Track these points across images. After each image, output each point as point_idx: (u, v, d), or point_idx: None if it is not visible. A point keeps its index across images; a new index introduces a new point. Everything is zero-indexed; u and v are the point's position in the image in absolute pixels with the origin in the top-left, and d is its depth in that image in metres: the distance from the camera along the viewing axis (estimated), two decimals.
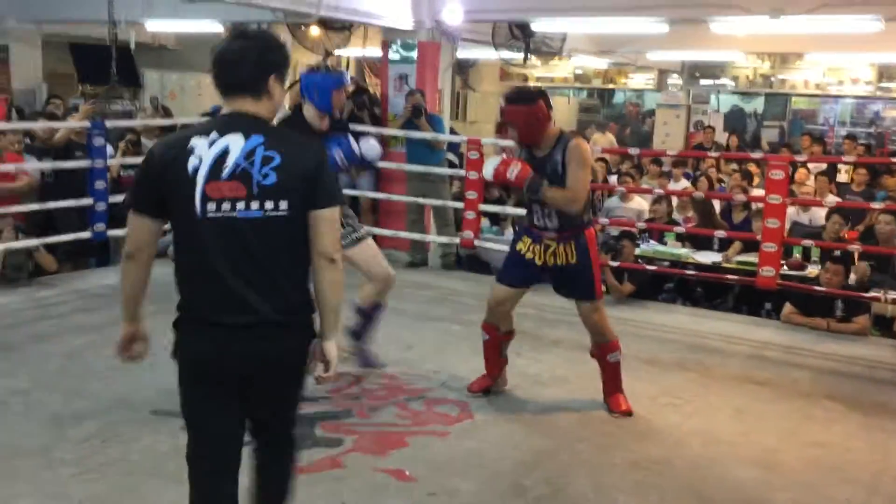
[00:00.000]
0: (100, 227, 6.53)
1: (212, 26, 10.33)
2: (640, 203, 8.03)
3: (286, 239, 2.23)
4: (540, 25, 8.86)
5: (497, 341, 4.36)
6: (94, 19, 9.21)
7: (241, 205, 2.17)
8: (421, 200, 7.43)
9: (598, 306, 4.14)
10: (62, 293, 6.08)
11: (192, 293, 2.30)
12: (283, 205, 2.19)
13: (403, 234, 7.51)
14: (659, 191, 7.53)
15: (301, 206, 2.21)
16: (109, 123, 6.98)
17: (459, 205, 7.21)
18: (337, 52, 10.22)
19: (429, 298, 6.49)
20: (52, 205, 6.46)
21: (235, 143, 2.19)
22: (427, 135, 7.40)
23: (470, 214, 7.06)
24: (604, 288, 4.52)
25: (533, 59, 9.52)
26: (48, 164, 6.67)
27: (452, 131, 8.74)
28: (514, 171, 3.92)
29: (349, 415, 4.03)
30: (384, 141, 7.86)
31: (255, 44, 2.27)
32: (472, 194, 7.02)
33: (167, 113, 9.48)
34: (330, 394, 4.28)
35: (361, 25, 8.63)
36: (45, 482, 3.29)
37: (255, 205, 2.18)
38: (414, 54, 8.00)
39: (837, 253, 6.05)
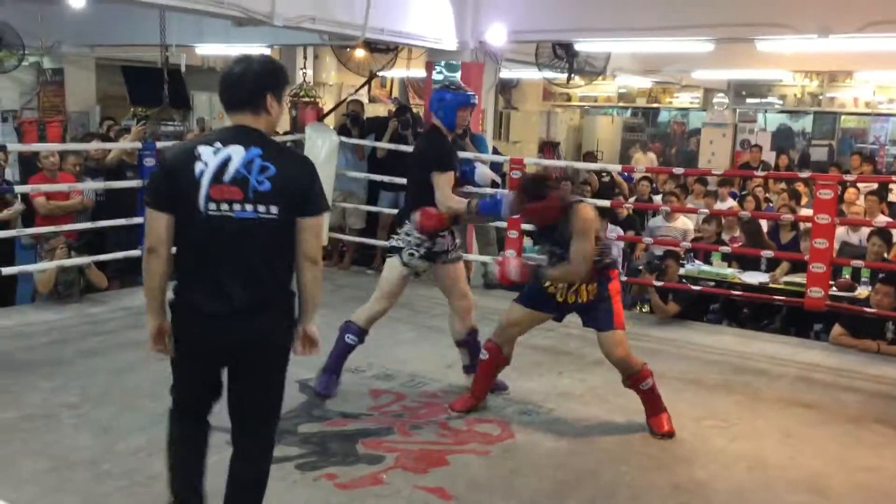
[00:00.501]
0: None
1: (260, 49, 10.56)
2: (685, 223, 7.95)
3: (273, 239, 2.54)
4: (584, 46, 8.87)
5: (495, 362, 4.39)
6: (147, 43, 9.48)
7: (237, 206, 2.50)
8: None
9: (619, 339, 4.15)
10: (112, 310, 6.23)
11: (185, 281, 2.60)
12: (274, 210, 2.51)
13: None
14: (704, 210, 7.44)
15: (289, 212, 2.53)
16: (160, 144, 7.16)
17: (502, 224, 7.22)
18: (382, 73, 10.37)
19: None
20: (103, 223, 6.64)
21: (236, 153, 2.51)
22: (469, 154, 7.43)
23: (512, 234, 7.06)
24: (628, 320, 4.49)
25: (576, 79, 9.51)
26: (100, 184, 6.84)
27: (496, 151, 8.76)
28: (513, 271, 4.09)
29: (390, 432, 4.04)
30: None
31: (254, 67, 2.60)
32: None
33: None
34: (371, 411, 4.31)
35: (406, 47, 8.73)
36: (93, 494, 3.36)
37: (249, 207, 2.50)
38: (457, 75, 8.06)
39: (882, 275, 5.92)
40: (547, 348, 5.62)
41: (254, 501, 2.76)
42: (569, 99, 16.18)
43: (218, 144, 2.53)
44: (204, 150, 2.52)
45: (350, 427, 4.09)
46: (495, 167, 8.30)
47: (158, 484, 3.42)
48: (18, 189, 6.58)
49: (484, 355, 4.38)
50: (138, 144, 6.81)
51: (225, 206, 2.50)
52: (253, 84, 2.58)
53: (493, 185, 4.70)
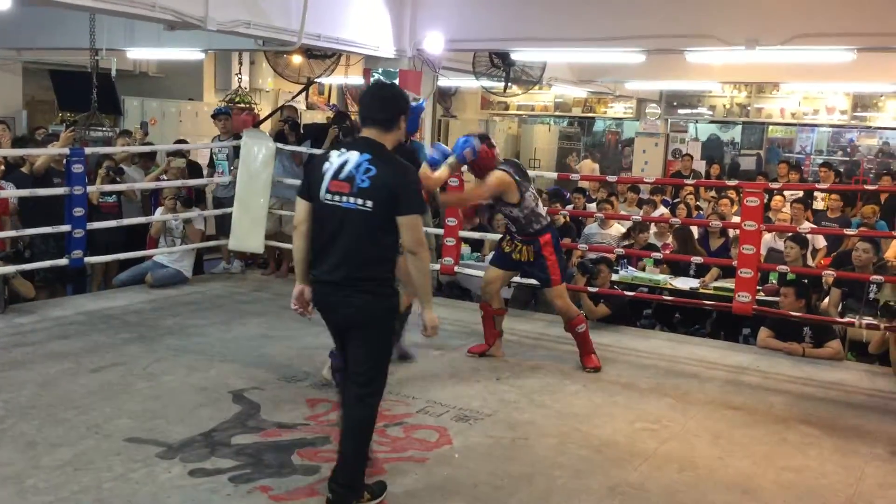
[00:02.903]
0: (77, 253, 6.48)
1: (193, 54, 10.39)
2: (619, 229, 8.10)
3: (368, 227, 3.15)
4: (520, 55, 8.98)
5: (490, 314, 5.57)
6: (76, 46, 9.24)
7: (344, 198, 3.15)
8: None
9: (558, 292, 5.33)
10: (39, 320, 6.03)
11: (314, 256, 3.28)
12: (370, 203, 3.12)
13: None
14: (637, 217, 7.60)
15: (383, 207, 3.12)
16: (88, 150, 6.98)
17: (440, 231, 7.24)
18: (320, 80, 10.30)
19: (408, 324, 6.47)
20: (29, 231, 6.43)
21: (353, 157, 3.18)
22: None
23: (450, 241, 7.09)
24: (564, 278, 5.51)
25: (513, 88, 9.62)
26: (26, 192, 6.61)
27: None
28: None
29: (327, 441, 4.00)
30: None
31: (393, 92, 3.43)
32: (451, 221, 7.05)
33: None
34: (308, 420, 4.26)
35: (343, 53, 8.71)
36: None
37: (352, 199, 3.14)
38: (395, 82, 8.07)
39: (792, 277, 6.17)
40: (485, 355, 5.66)
41: (349, 446, 3.31)
42: (507, 108, 16.34)
43: (343, 150, 3.21)
44: (333, 154, 3.22)
45: (286, 438, 4.04)
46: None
47: (86, 499, 3.33)
48: None
49: (481, 312, 5.62)
50: (66, 150, 6.62)
51: (336, 197, 3.15)
52: (391, 107, 3.27)
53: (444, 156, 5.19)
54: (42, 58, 11.02)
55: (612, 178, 8.56)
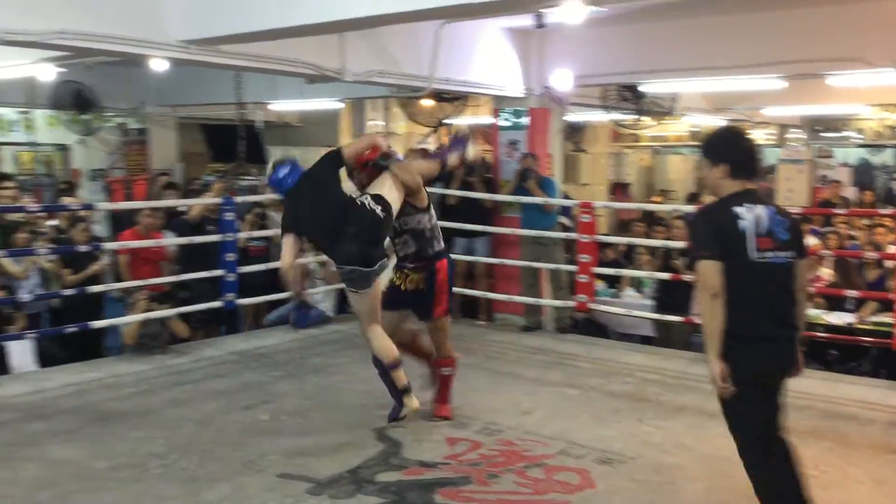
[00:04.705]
0: (230, 296, 6.87)
1: (331, 104, 10.88)
2: None
3: (792, 277, 3.24)
4: (649, 87, 8.85)
5: (427, 359, 5.00)
6: (224, 101, 9.88)
7: (772, 253, 3.17)
8: (535, 264, 7.45)
9: (438, 325, 4.84)
10: (195, 360, 6.41)
11: (743, 315, 3.13)
12: (792, 254, 3.21)
13: (518, 299, 7.54)
14: None
15: (796, 255, 3.23)
16: (239, 199, 7.41)
17: (574, 268, 7.19)
18: (448, 121, 10.53)
19: (544, 363, 6.45)
20: (186, 276, 6.88)
21: (762, 212, 3.19)
22: (537, 199, 7.46)
23: (583, 278, 7.02)
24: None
25: (644, 120, 9.48)
26: (185, 240, 7.09)
27: (566, 195, 8.77)
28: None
29: (468, 482, 4.02)
30: (497, 206, 7.98)
31: (757, 144, 3.47)
32: (585, 257, 6.98)
33: None
34: (448, 459, 4.30)
35: (472, 95, 8.87)
36: None
37: (780, 253, 3.18)
38: (524, 120, 8.14)
39: None
40: (625, 394, 5.54)
41: None
42: (638, 140, 16.07)
43: (747, 206, 3.18)
44: (739, 210, 3.17)
45: (428, 476, 4.09)
46: (565, 211, 8.32)
47: None
48: (108, 245, 6.87)
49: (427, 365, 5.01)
50: (219, 200, 7.06)
51: (768, 255, 3.15)
52: (762, 158, 3.27)
53: None
54: (195, 113, 11.86)
55: None
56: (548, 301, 7.56)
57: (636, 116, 9.26)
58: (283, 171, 4.66)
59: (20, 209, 6.88)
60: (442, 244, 4.86)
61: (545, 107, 8.13)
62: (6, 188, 7.42)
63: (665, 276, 7.12)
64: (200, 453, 4.38)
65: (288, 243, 4.54)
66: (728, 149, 3.30)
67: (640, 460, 4.36)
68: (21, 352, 6.20)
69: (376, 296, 4.52)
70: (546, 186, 7.64)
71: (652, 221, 8.67)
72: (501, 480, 4.06)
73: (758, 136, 15.57)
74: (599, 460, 4.33)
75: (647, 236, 8.11)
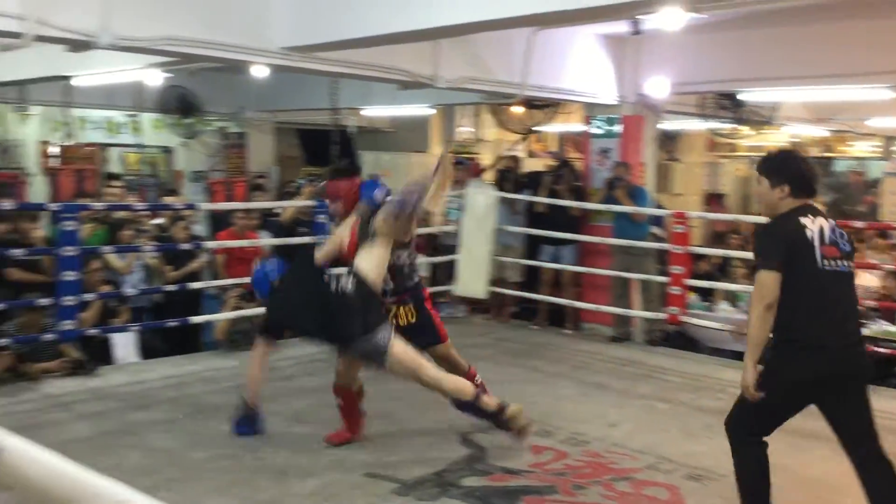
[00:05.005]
0: None
1: (422, 110, 11.01)
2: (868, 279, 7.42)
3: (853, 287, 3.43)
4: (749, 96, 8.60)
5: (353, 400, 4.64)
6: (320, 107, 10.13)
7: (836, 262, 3.28)
8: (625, 275, 7.33)
9: (447, 347, 4.66)
10: (285, 357, 6.54)
11: (805, 323, 3.24)
12: (851, 264, 3.35)
13: (607, 309, 7.43)
14: (890, 266, 6.93)
15: (852, 265, 3.36)
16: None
17: (665, 279, 7.04)
18: (540, 128, 10.50)
19: (633, 375, 6.34)
20: None
21: (825, 224, 3.32)
22: (627, 208, 7.35)
23: (675, 289, 6.87)
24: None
25: (743, 128, 9.22)
26: (278, 240, 7.29)
27: (658, 205, 8.60)
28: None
29: (553, 491, 3.99)
30: (586, 215, 7.89)
31: (815, 166, 3.64)
32: (678, 269, 6.83)
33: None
34: (533, 467, 4.27)
35: (564, 102, 8.82)
36: None
37: (843, 263, 3.30)
38: (616, 128, 8.04)
39: None
40: (717, 410, 5.33)
41: None
42: (734, 150, 15.62)
43: (810, 217, 3.32)
44: (805, 221, 3.30)
45: (512, 483, 4.08)
46: (657, 221, 8.17)
47: None
48: (207, 245, 7.13)
49: (339, 400, 4.61)
50: (312, 202, 7.24)
51: (832, 263, 3.27)
52: (819, 179, 3.57)
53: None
54: (291, 118, 12.19)
55: (859, 224, 7.88)
56: (638, 312, 7.43)
57: (734, 125, 9.00)
58: (269, 267, 4.70)
59: (127, 207, 7.22)
60: (418, 277, 4.66)
61: (639, 114, 8.01)
62: (114, 187, 7.80)
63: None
64: (291, 448, 4.49)
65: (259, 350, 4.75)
66: (789, 169, 3.42)
67: (732, 478, 4.21)
68: (124, 344, 6.50)
69: (402, 349, 4.17)
70: (637, 196, 7.52)
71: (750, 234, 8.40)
72: (587, 492, 4.01)
73: (862, 147, 14.95)
74: (689, 476, 4.22)
75: (743, 249, 7.87)
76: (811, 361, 3.23)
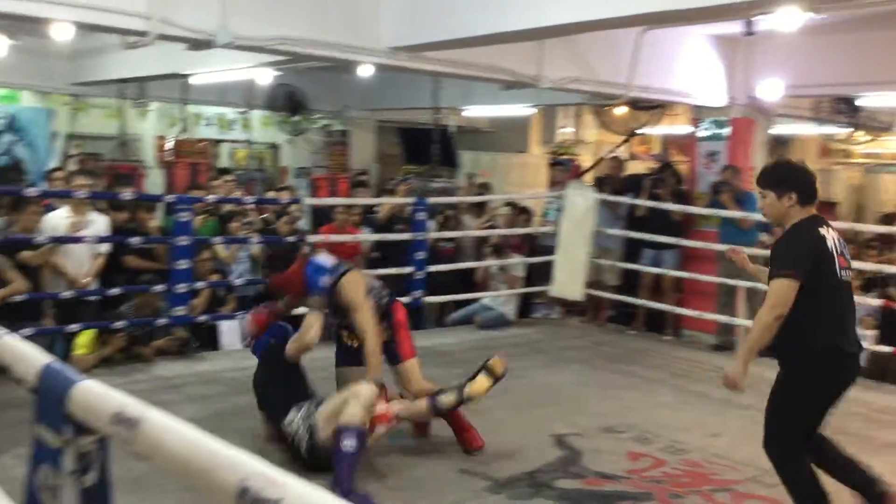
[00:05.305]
0: (417, 294, 7.11)
1: (523, 110, 10.98)
2: None
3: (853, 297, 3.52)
4: (868, 100, 8.20)
5: (455, 415, 4.41)
6: (421, 106, 10.25)
7: (846, 272, 3.38)
8: (731, 282, 7.10)
9: (408, 367, 4.43)
10: None
11: (828, 331, 3.31)
12: (851, 273, 3.45)
13: (710, 316, 7.22)
14: None
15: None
16: (431, 200, 7.65)
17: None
18: (642, 130, 10.31)
19: None
20: (378, 272, 7.16)
21: (832, 234, 3.40)
22: (734, 214, 7.12)
23: None
24: None
25: (859, 134, 8.81)
26: (377, 236, 7.43)
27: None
28: (246, 325, 4.65)
29: (650, 498, 3.91)
30: (690, 219, 7.69)
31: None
32: None
33: (487, 190, 10.03)
34: (630, 474, 4.20)
35: (671, 104, 8.63)
36: None
37: (847, 273, 3.39)
38: (725, 130, 7.81)
39: None
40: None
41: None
42: (848, 156, 14.92)
43: (823, 228, 3.39)
44: (823, 232, 3.37)
45: (607, 488, 4.02)
46: (765, 227, 7.88)
47: None
48: (310, 239, 7.31)
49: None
50: (407, 200, 7.33)
51: (843, 272, 3.37)
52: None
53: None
54: (392, 117, 12.39)
55: None
56: (742, 321, 7.17)
57: (850, 131, 8.61)
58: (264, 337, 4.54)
59: (236, 201, 7.50)
60: (387, 294, 4.50)
61: (749, 117, 7.76)
62: (226, 182, 8.11)
63: (876, 302, 6.58)
64: (383, 443, 4.54)
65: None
66: (794, 178, 3.46)
67: (839, 496, 4.04)
68: (231, 331, 6.74)
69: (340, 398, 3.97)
70: (746, 201, 7.26)
71: (862, 244, 8.01)
72: (685, 502, 3.92)
73: None
74: None
75: (857, 259, 7.49)
76: (841, 369, 3.36)
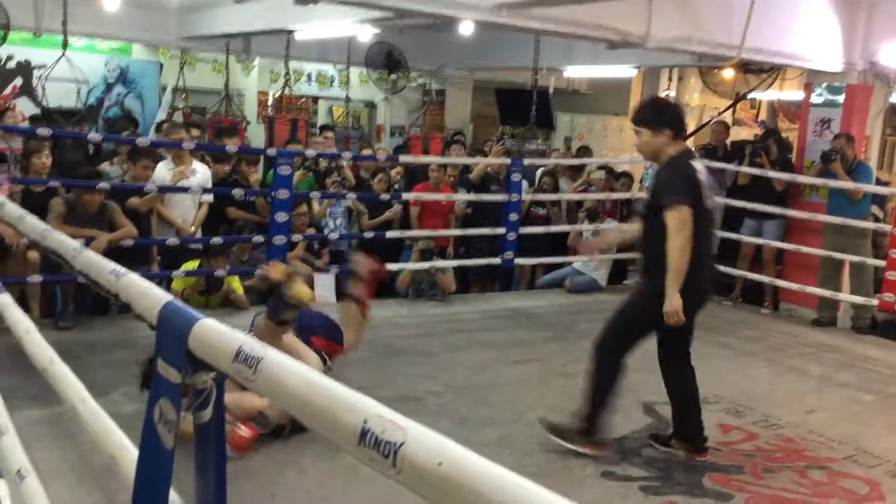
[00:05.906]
0: (508, 254, 7.10)
1: (626, 71, 10.70)
2: None
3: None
4: None
5: None
6: (520, 66, 10.11)
7: (712, 202, 3.68)
8: (837, 255, 6.80)
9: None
10: (472, 311, 6.73)
11: (703, 256, 3.65)
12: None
13: (812, 290, 6.94)
14: None
15: None
16: (527, 161, 7.59)
17: (881, 263, 6.48)
18: (750, 95, 9.89)
19: (835, 362, 5.92)
20: (470, 231, 7.21)
21: (700, 167, 3.70)
22: (842, 184, 6.79)
23: (893, 275, 6.30)
24: None
25: None
26: (471, 196, 7.43)
27: (879, 182, 7.88)
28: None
29: (741, 471, 3.83)
30: (796, 189, 7.38)
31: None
32: None
33: (587, 153, 9.89)
34: (720, 446, 4.13)
35: (782, 67, 8.24)
36: None
37: (713, 201, 3.66)
38: (839, 97, 7.41)
39: None
40: None
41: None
42: None
43: (696, 160, 3.74)
44: (696, 165, 3.69)
45: (697, 459, 3.96)
46: (877, 200, 7.50)
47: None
48: (405, 196, 7.39)
49: None
50: (502, 160, 7.28)
51: (710, 202, 3.68)
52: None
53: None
54: (489, 77, 12.29)
55: None
56: (847, 296, 6.88)
57: None
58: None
59: (334, 156, 7.63)
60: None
61: (867, 83, 7.34)
62: (326, 138, 8.25)
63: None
64: (473, 398, 4.61)
65: None
66: (667, 115, 3.69)
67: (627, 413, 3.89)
68: (325, 284, 6.90)
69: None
70: (859, 172, 6.91)
71: None
72: (778, 477, 3.82)
73: None
74: (893, 474, 3.91)
75: None
76: (701, 284, 3.70)
